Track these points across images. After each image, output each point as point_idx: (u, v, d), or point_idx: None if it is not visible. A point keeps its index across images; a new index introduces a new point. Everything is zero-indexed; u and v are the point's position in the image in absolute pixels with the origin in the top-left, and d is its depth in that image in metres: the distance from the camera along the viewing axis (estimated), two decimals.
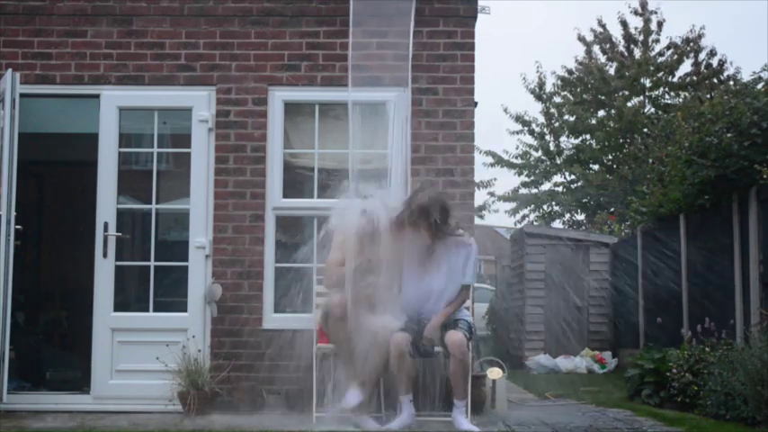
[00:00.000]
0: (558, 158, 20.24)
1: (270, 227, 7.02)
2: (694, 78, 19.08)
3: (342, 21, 7.09)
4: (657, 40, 19.74)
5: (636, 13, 19.81)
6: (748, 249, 7.57)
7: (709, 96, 14.17)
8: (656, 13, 19.69)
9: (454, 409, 5.92)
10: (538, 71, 20.61)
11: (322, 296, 6.50)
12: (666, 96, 19.67)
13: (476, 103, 7.15)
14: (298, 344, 6.76)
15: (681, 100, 18.72)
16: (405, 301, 6.13)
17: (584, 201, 19.31)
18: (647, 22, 19.72)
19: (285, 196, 7.08)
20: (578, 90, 20.13)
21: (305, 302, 6.88)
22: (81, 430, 5.88)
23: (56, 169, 9.53)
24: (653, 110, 19.47)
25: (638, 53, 19.70)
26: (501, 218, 42.98)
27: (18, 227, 6.59)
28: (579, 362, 11.87)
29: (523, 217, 20.52)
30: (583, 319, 12.66)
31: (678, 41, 19.43)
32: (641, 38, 19.76)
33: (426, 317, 6.04)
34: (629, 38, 19.85)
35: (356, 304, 6.02)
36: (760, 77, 8.45)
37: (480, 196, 21.05)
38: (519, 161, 20.58)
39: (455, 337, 5.85)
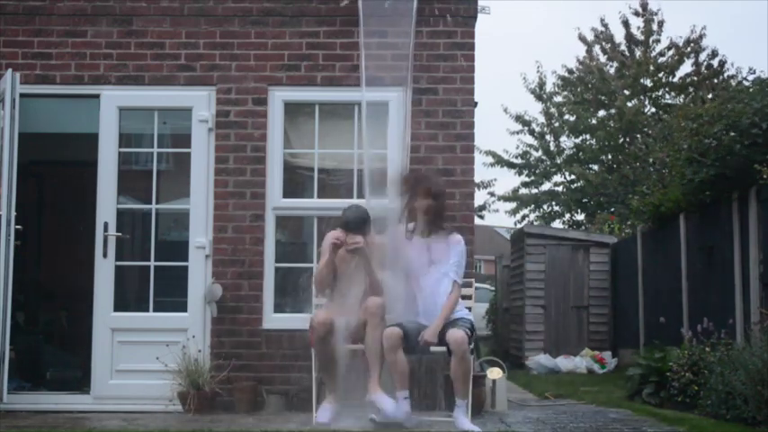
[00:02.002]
0: (558, 158, 20.25)
1: (270, 227, 7.03)
2: (695, 79, 19.09)
3: (342, 21, 7.10)
4: (658, 41, 19.76)
5: (637, 14, 19.82)
6: (748, 249, 7.57)
7: (710, 97, 14.18)
8: (656, 14, 19.71)
9: (456, 409, 5.89)
10: (538, 71, 20.66)
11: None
12: (667, 96, 19.68)
13: (476, 103, 7.16)
14: (297, 344, 6.77)
15: (681, 100, 18.72)
16: (399, 299, 6.16)
17: (584, 201, 19.32)
18: (647, 22, 19.74)
19: (285, 196, 7.08)
20: (579, 90, 20.15)
21: (305, 302, 6.90)
22: (81, 430, 5.87)
23: (56, 169, 9.53)
24: (653, 110, 19.48)
25: (638, 53, 19.70)
26: (501, 218, 43.02)
27: (18, 227, 6.59)
28: (579, 362, 11.88)
29: (523, 217, 20.54)
30: (583, 319, 12.66)
31: (679, 42, 19.44)
32: (642, 38, 19.77)
33: (421, 315, 6.05)
34: (630, 38, 19.86)
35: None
36: (758, 78, 8.45)
37: (480, 196, 21.08)
38: (519, 161, 20.59)
39: (456, 334, 5.84)
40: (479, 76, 7.05)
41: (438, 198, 6.10)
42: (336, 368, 6.04)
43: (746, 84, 8.77)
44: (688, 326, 8.35)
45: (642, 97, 19.49)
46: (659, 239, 10.65)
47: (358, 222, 6.12)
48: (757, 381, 5.80)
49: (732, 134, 7.70)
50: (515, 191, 20.80)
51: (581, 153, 19.76)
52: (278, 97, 7.10)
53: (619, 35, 20.05)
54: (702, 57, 19.37)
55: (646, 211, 10.99)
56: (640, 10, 19.79)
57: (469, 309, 6.31)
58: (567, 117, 20.18)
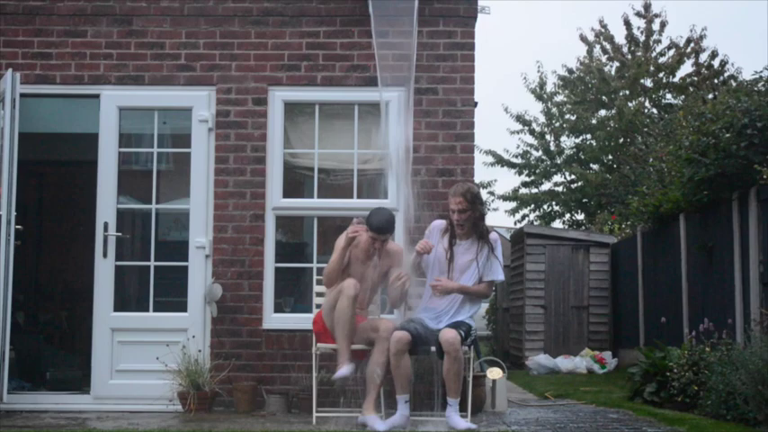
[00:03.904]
0: (558, 158, 20.24)
1: (270, 227, 7.03)
2: (695, 79, 19.06)
3: (342, 21, 7.10)
4: (659, 41, 19.73)
5: (639, 15, 19.79)
6: (748, 249, 7.57)
7: (711, 96, 14.15)
8: (659, 15, 19.69)
9: (448, 408, 5.94)
10: (539, 71, 20.64)
11: (322, 296, 6.50)
12: (667, 97, 19.66)
13: (476, 103, 7.16)
14: (297, 344, 6.77)
15: (681, 100, 18.69)
16: (425, 302, 6.22)
17: (584, 201, 19.31)
18: (649, 22, 19.72)
19: (285, 196, 7.08)
20: (579, 90, 20.13)
21: (304, 302, 6.91)
22: (81, 430, 5.87)
23: (56, 169, 9.53)
24: (654, 110, 19.46)
25: (639, 53, 19.68)
26: (501, 218, 42.97)
27: (18, 227, 6.59)
28: (579, 362, 11.87)
29: (523, 217, 20.53)
30: (583, 319, 12.66)
31: (680, 42, 19.42)
32: (643, 38, 19.76)
33: (435, 319, 6.08)
34: (631, 38, 19.84)
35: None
36: (760, 77, 8.43)
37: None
38: (519, 161, 20.58)
39: (448, 335, 5.87)
40: (479, 76, 7.05)
41: (478, 204, 6.14)
42: (351, 332, 6.00)
43: (752, 78, 8.72)
44: (688, 326, 8.35)
45: (642, 98, 19.46)
46: (659, 239, 10.65)
47: (386, 227, 6.13)
48: (757, 380, 5.80)
49: (728, 134, 7.69)
50: (515, 191, 20.78)
51: (581, 153, 19.75)
52: (278, 97, 7.10)
53: (619, 35, 20.04)
54: (703, 57, 19.35)
55: (646, 211, 10.98)
56: (643, 11, 19.75)
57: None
58: (567, 117, 20.17)
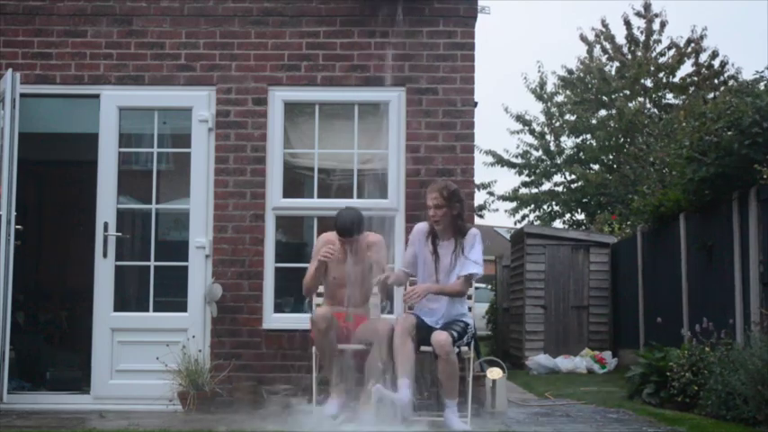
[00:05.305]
0: (558, 158, 20.24)
1: (270, 227, 7.03)
2: (695, 79, 19.07)
3: (342, 21, 7.10)
4: (659, 41, 19.73)
5: (639, 14, 19.79)
6: (748, 249, 7.57)
7: (711, 96, 14.15)
8: (659, 15, 19.69)
9: (446, 409, 5.93)
10: (539, 71, 20.65)
11: (322, 296, 6.51)
12: (667, 96, 19.66)
13: (476, 103, 7.16)
14: (297, 344, 6.77)
15: (682, 100, 18.70)
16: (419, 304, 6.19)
17: (584, 201, 19.31)
18: (649, 22, 19.72)
19: (285, 196, 7.08)
20: (579, 90, 20.14)
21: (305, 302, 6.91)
22: (81, 430, 5.87)
23: (56, 169, 9.53)
24: (654, 110, 19.46)
25: (639, 53, 19.68)
26: (501, 218, 42.99)
27: (18, 227, 6.60)
28: (579, 362, 11.88)
29: (523, 217, 20.54)
30: (583, 319, 12.66)
31: (680, 42, 19.42)
32: (643, 38, 19.76)
33: (437, 322, 6.07)
34: (631, 38, 19.85)
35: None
36: (762, 76, 8.42)
37: (480, 196, 21.07)
38: (519, 161, 20.59)
39: (439, 337, 5.84)
40: (479, 76, 7.05)
41: (454, 201, 6.10)
42: (338, 362, 6.07)
43: (753, 78, 8.71)
44: (688, 326, 8.35)
45: (642, 98, 19.46)
46: (659, 239, 10.65)
47: (350, 228, 6.13)
48: (757, 381, 5.80)
49: (731, 133, 7.68)
50: (515, 191, 20.79)
51: (581, 153, 19.76)
52: (278, 97, 7.10)
53: (620, 35, 20.04)
54: (703, 57, 19.35)
55: (646, 211, 10.99)
56: (643, 11, 19.75)
57: (470, 309, 6.31)
58: (567, 117, 20.17)
